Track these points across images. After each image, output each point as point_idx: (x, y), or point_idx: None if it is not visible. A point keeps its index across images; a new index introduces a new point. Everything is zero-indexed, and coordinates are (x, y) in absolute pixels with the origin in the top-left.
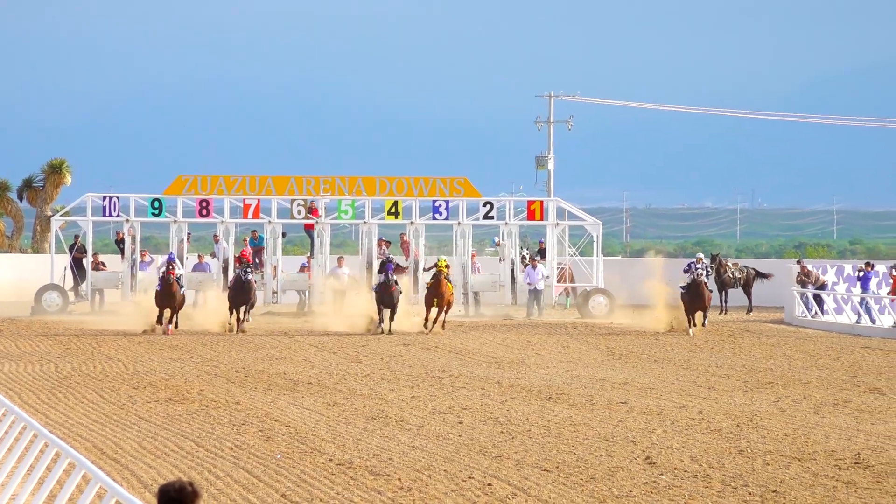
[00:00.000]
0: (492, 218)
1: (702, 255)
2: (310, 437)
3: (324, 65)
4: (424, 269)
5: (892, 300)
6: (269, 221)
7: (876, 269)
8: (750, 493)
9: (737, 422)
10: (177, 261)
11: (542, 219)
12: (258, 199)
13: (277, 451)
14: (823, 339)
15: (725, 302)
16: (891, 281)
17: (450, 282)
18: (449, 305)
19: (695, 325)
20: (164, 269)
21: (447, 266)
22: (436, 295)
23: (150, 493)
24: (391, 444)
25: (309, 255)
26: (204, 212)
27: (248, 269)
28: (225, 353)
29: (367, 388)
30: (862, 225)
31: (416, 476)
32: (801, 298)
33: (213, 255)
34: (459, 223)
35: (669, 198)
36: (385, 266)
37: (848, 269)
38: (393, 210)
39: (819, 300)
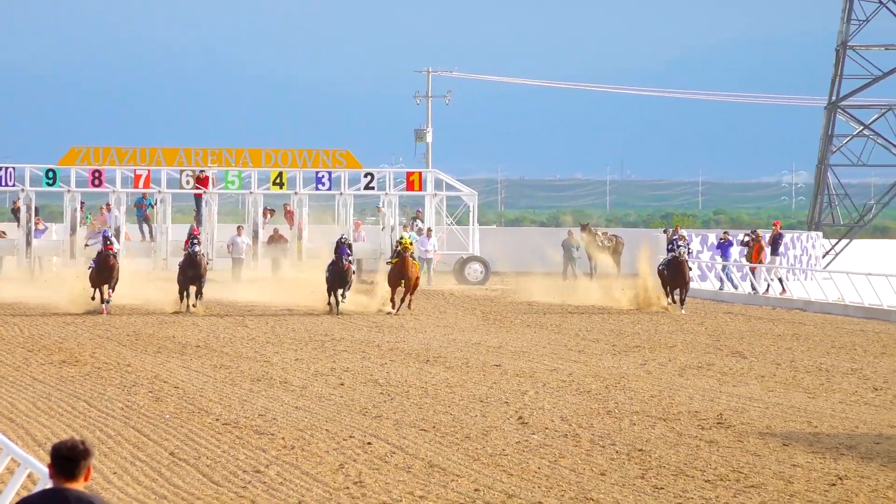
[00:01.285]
0: (373, 188)
1: (684, 233)
2: (197, 398)
3: (213, 39)
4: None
5: (752, 268)
6: (159, 191)
7: (730, 238)
8: (617, 452)
9: (605, 384)
10: (112, 237)
11: (420, 189)
12: (148, 170)
13: (166, 411)
14: (688, 304)
15: (594, 268)
16: (744, 249)
17: (414, 259)
18: (416, 285)
19: (673, 302)
20: (100, 245)
21: (411, 243)
22: (402, 275)
23: (44, 451)
24: (275, 404)
25: (196, 223)
26: (96, 181)
27: (196, 242)
28: (117, 318)
29: (253, 351)
30: (725, 196)
31: (299, 435)
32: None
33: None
34: (342, 193)
35: (542, 170)
36: (339, 247)
37: (711, 238)
38: (278, 180)
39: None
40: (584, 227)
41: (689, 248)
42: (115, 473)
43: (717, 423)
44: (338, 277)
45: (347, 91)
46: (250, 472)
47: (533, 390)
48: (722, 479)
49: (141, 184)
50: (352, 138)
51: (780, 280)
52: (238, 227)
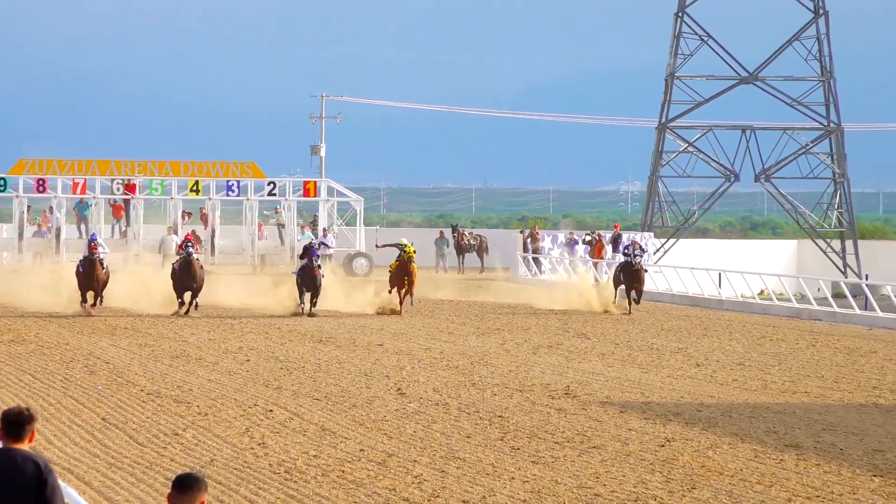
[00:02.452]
0: (275, 195)
1: (637, 240)
2: (125, 372)
3: (142, 70)
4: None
5: (595, 263)
6: (94, 196)
7: (576, 237)
8: (481, 418)
9: (471, 360)
10: (99, 240)
11: (315, 196)
12: (85, 179)
13: (99, 383)
14: (537, 292)
15: (462, 263)
16: (587, 247)
17: (413, 262)
18: (413, 285)
19: (634, 301)
20: (84, 249)
21: (414, 252)
22: (405, 275)
23: None
24: (191, 377)
25: (126, 224)
26: (41, 188)
27: (191, 248)
28: (57, 303)
29: (172, 332)
30: (573, 202)
31: (211, 404)
32: (524, 261)
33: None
34: (248, 199)
35: (418, 179)
36: (309, 250)
37: (561, 237)
38: (194, 188)
39: (538, 262)
40: (453, 228)
41: (642, 256)
42: (55, 436)
43: (565, 394)
44: (308, 281)
45: (254, 112)
46: (170, 435)
47: (410, 366)
48: (569, 441)
49: (79, 190)
50: (257, 152)
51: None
52: (168, 228)
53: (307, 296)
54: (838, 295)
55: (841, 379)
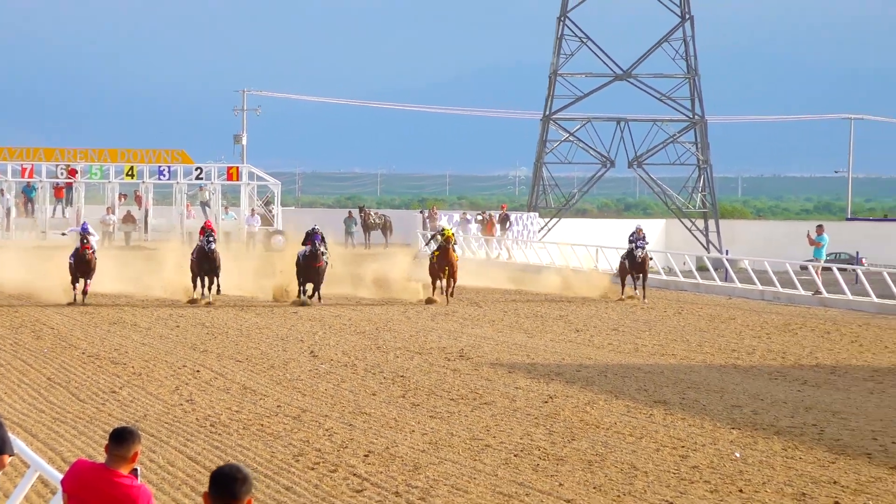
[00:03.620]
0: (202, 179)
1: (642, 228)
2: (68, 336)
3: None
4: (427, 244)
5: (487, 239)
6: (40, 180)
7: (469, 217)
8: (384, 378)
9: (376, 326)
10: (91, 229)
11: (238, 180)
12: (32, 164)
13: (45, 346)
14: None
15: (368, 240)
16: (479, 226)
17: (454, 251)
18: (455, 275)
19: (636, 289)
20: (77, 238)
21: (453, 234)
22: (446, 264)
23: None
24: (127, 341)
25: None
26: None
27: (212, 239)
28: (10, 279)
29: (110, 301)
30: (467, 185)
31: (144, 365)
32: (423, 237)
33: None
34: (178, 183)
35: (330, 165)
36: (312, 236)
37: (456, 216)
38: (130, 172)
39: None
40: (360, 209)
41: (644, 246)
42: (5, 394)
43: (459, 356)
44: (311, 273)
45: (183, 105)
46: (108, 393)
47: (322, 331)
48: (463, 398)
49: (26, 175)
50: (186, 141)
51: (508, 248)
52: (107, 208)
53: (309, 286)
54: (701, 268)
55: (704, 343)
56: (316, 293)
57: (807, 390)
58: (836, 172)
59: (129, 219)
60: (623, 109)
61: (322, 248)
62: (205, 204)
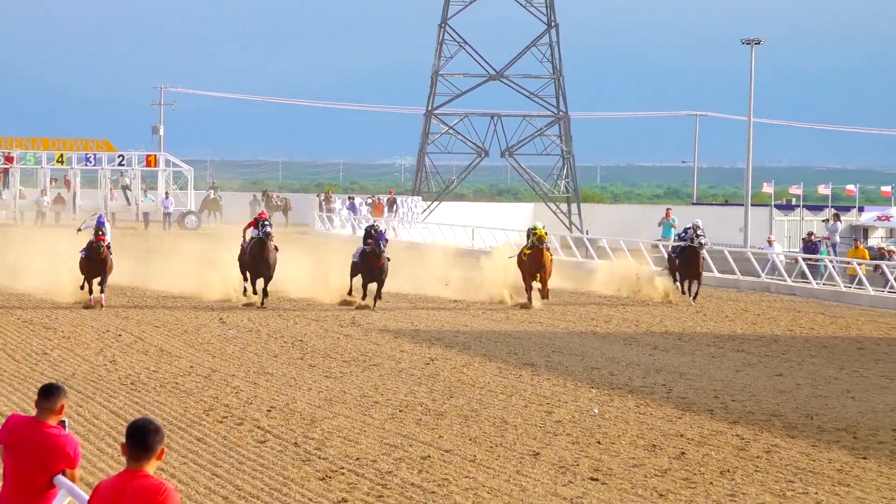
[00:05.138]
0: (123, 165)
1: (699, 223)
2: (5, 304)
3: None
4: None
5: (376, 220)
6: None
7: (357, 201)
8: (285, 341)
9: (277, 297)
10: (106, 224)
11: (155, 166)
12: None
13: None
14: (334, 243)
15: (272, 214)
16: (362, 207)
17: (549, 250)
18: (547, 278)
19: (685, 293)
20: (91, 233)
21: (546, 234)
22: (538, 265)
23: None
24: (57, 309)
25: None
26: None
27: (268, 224)
28: None
29: (50, 274)
30: (359, 172)
31: (73, 329)
32: (320, 217)
33: None
34: (102, 168)
35: (237, 154)
36: (375, 234)
37: (348, 200)
38: (60, 159)
39: (331, 219)
40: (264, 192)
41: (703, 241)
42: None
43: (351, 323)
44: (375, 273)
45: (108, 99)
46: (40, 354)
47: (228, 302)
48: (354, 360)
49: None
50: (110, 131)
51: (394, 228)
52: (41, 190)
53: (371, 286)
54: (565, 246)
55: (567, 312)
56: (377, 298)
57: (657, 354)
58: (683, 163)
59: (59, 200)
60: (496, 106)
61: (384, 247)
62: (125, 188)
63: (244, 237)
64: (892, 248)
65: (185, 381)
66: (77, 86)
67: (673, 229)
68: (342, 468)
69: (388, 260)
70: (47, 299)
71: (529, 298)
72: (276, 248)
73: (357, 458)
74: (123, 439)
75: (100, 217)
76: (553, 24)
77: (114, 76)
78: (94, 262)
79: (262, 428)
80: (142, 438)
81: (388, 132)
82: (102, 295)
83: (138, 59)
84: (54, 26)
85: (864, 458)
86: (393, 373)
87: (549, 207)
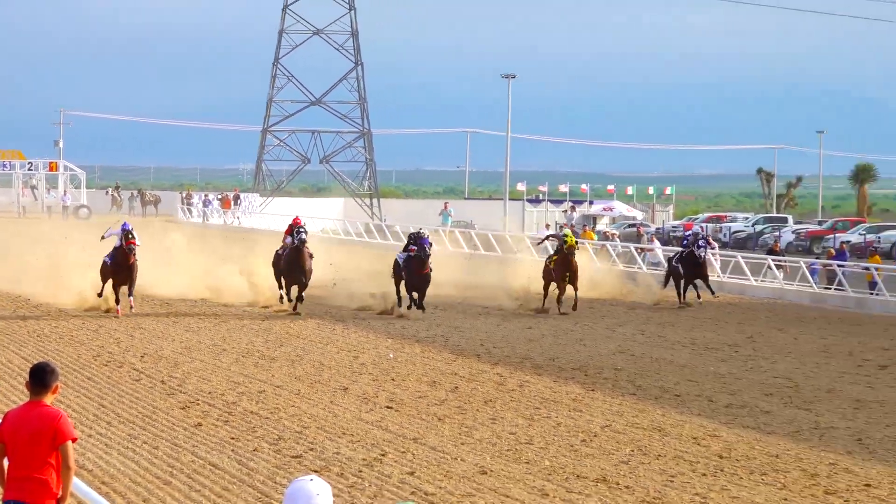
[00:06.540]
0: (32, 170)
1: (699, 230)
2: None
3: None
4: (538, 243)
5: (225, 212)
6: None
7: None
8: (155, 304)
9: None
10: (134, 231)
11: (56, 170)
12: None
13: None
14: (199, 230)
15: (145, 211)
16: (214, 202)
17: (575, 260)
18: (577, 282)
19: (683, 303)
20: (119, 238)
21: (576, 242)
22: (566, 270)
23: None
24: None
25: None
26: None
27: (303, 231)
28: None
29: (43, 261)
30: (213, 175)
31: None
32: (182, 209)
33: None
34: (16, 172)
35: (121, 160)
36: (420, 240)
37: (216, 196)
38: None
39: (190, 211)
40: (139, 191)
41: (706, 246)
42: None
43: (204, 292)
44: (418, 280)
45: (16, 119)
46: None
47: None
48: (208, 317)
49: None
50: (21, 144)
51: (238, 217)
52: None
53: (414, 294)
54: (368, 231)
55: (371, 280)
56: (419, 302)
57: (438, 312)
58: (457, 167)
59: None
60: (316, 124)
61: (429, 251)
62: (33, 187)
63: (283, 243)
64: (615, 231)
65: (78, 333)
66: None
67: (450, 218)
68: (198, 400)
69: (431, 268)
70: None
71: (544, 302)
72: (311, 256)
73: (209, 392)
74: (28, 378)
75: (124, 224)
76: (359, 62)
77: (22, 99)
78: (122, 267)
79: (137, 370)
80: (41, 377)
81: (234, 144)
82: (131, 298)
83: (43, 86)
84: None
85: (593, 390)
86: (237, 327)
87: (356, 202)
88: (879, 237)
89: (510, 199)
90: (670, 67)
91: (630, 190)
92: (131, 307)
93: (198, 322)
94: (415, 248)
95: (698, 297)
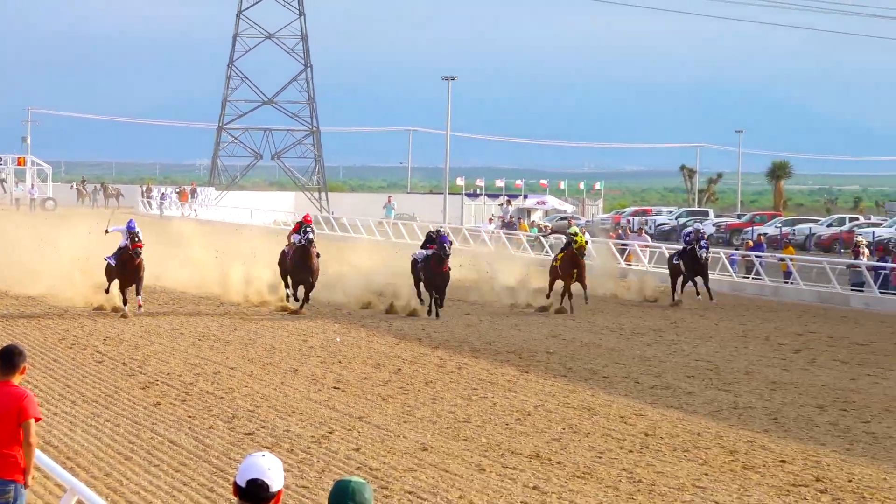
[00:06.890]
0: (2, 165)
1: (699, 227)
2: None
3: None
4: (548, 234)
5: (182, 204)
6: None
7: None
8: (174, 302)
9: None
10: (139, 231)
11: (24, 165)
12: None
13: None
14: (167, 225)
15: (108, 203)
16: (171, 195)
17: (583, 257)
18: (584, 279)
19: (676, 301)
20: (125, 237)
21: (586, 243)
22: (572, 266)
23: None
24: None
25: None
26: None
27: (311, 230)
28: None
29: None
30: (172, 171)
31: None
32: (143, 202)
33: None
34: None
35: (85, 156)
36: (439, 237)
37: (164, 191)
38: None
39: (151, 204)
40: (102, 185)
41: (706, 245)
42: None
43: (162, 289)
44: (438, 280)
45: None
46: None
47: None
48: (167, 305)
49: None
50: None
51: (195, 209)
52: None
53: (435, 298)
54: (317, 222)
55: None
56: (438, 306)
57: (383, 299)
58: (400, 163)
59: None
60: (268, 122)
61: (449, 250)
62: (2, 181)
63: (288, 241)
64: (548, 224)
65: (44, 319)
66: None
67: (393, 211)
68: (157, 380)
69: (450, 269)
70: None
71: (548, 296)
72: (318, 255)
73: (168, 374)
74: None
75: (130, 222)
76: (309, 65)
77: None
78: (128, 268)
79: (100, 352)
80: (9, 359)
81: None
82: (139, 297)
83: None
84: None
85: (527, 372)
86: (194, 313)
87: (306, 195)
88: (794, 230)
89: (450, 194)
90: (601, 70)
91: (562, 185)
92: (139, 306)
93: (158, 309)
94: (434, 246)
95: (697, 293)
